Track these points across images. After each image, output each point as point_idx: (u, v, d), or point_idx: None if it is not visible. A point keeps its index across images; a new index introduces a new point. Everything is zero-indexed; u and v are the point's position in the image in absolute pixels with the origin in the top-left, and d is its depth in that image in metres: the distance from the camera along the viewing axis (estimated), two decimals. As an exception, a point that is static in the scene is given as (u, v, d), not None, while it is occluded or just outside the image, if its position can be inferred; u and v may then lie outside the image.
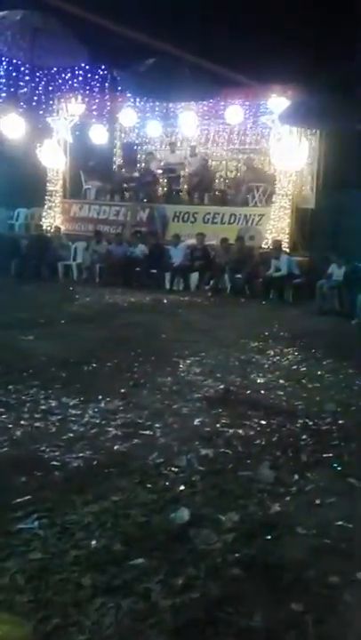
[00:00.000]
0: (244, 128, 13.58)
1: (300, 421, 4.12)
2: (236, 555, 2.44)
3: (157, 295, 10.17)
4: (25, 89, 12.46)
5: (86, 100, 13.81)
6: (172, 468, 3.24)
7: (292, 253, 11.03)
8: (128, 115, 13.57)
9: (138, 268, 11.56)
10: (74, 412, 4.08)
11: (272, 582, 2.27)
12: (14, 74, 12.28)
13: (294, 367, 5.68)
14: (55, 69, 12.68)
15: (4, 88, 12.55)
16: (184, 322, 7.87)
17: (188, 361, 5.64)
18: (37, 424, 3.83)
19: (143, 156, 14.97)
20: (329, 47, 10.96)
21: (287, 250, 11.09)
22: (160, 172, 14.23)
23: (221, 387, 4.84)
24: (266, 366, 5.64)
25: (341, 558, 2.46)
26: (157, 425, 3.91)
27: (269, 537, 2.60)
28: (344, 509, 2.87)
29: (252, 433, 3.85)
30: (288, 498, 2.98)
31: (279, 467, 3.33)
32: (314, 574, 2.33)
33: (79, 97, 13.76)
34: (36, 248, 12.35)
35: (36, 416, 3.96)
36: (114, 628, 1.99)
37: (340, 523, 2.74)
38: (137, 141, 15.38)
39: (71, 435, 3.67)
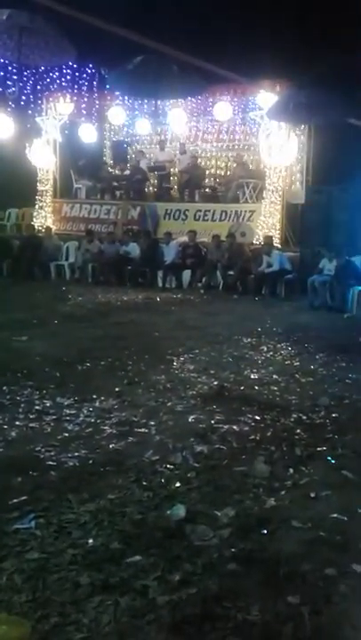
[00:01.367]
0: (233, 124, 13.61)
1: (294, 416, 4.14)
2: (233, 550, 2.45)
3: (150, 293, 10.18)
4: (13, 88, 12.40)
5: (75, 98, 13.78)
6: (168, 466, 3.25)
7: (284, 249, 11.08)
8: (117, 113, 13.56)
9: (130, 267, 11.57)
10: (69, 411, 4.08)
11: (268, 576, 2.29)
12: (2, 73, 12.21)
13: (287, 362, 5.71)
14: (43, 68, 12.62)
15: (-8, 88, 12.48)
16: (177, 319, 7.88)
17: (182, 358, 5.66)
18: (32, 424, 3.83)
19: (133, 155, 14.96)
20: (317, 42, 10.98)
21: (278, 245, 11.14)
22: (149, 169, 14.22)
23: (215, 383, 4.85)
24: (259, 362, 5.66)
25: (337, 550, 2.48)
26: (152, 423, 3.92)
27: (265, 531, 2.61)
28: (339, 502, 2.89)
29: (246, 428, 3.87)
30: (283, 492, 2.99)
31: (274, 461, 3.35)
32: (310, 567, 2.35)
33: (68, 96, 13.73)
34: (28, 248, 12.33)
35: (31, 416, 3.96)
36: (112, 625, 2.00)
37: (335, 515, 2.76)
38: (126, 139, 15.36)
39: (66, 434, 3.68)
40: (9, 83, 12.48)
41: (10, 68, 12.16)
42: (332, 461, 3.39)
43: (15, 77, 12.33)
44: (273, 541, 2.54)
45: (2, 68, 12.25)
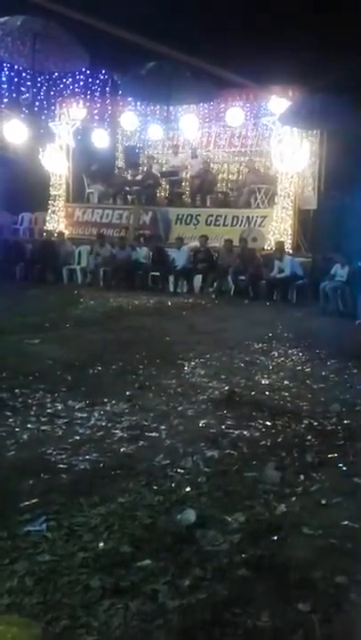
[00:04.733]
0: (245, 130, 13.63)
1: (305, 422, 4.12)
2: (243, 555, 2.45)
3: (161, 298, 10.20)
4: (27, 94, 12.53)
5: (88, 104, 13.89)
6: (178, 470, 3.25)
7: (295, 254, 11.05)
8: (129, 118, 13.64)
9: (141, 271, 11.60)
10: (80, 414, 4.10)
11: (279, 582, 2.28)
12: (16, 79, 12.35)
13: (299, 368, 5.69)
14: (56, 74, 12.75)
15: (6, 94, 12.63)
16: (188, 324, 7.88)
17: (193, 363, 5.66)
18: (44, 427, 3.85)
19: (145, 160, 15.04)
20: (329, 48, 10.97)
21: (290, 251, 11.11)
22: (161, 175, 14.28)
23: (226, 388, 4.85)
24: (270, 367, 5.65)
25: (348, 558, 2.47)
26: (163, 427, 3.92)
27: (276, 537, 2.60)
28: (350, 509, 2.88)
29: (257, 434, 3.86)
30: (294, 498, 2.98)
31: (285, 467, 3.34)
32: (320, 574, 2.33)
33: (81, 101, 13.84)
34: (41, 252, 12.42)
35: (43, 419, 3.98)
36: (122, 629, 2.00)
37: (346, 522, 2.74)
38: (139, 145, 15.43)
39: (77, 437, 3.69)
40: (23, 89, 12.62)
41: (23, 74, 12.30)
42: (344, 468, 3.37)
43: (29, 83, 12.47)
44: (283, 548, 2.53)
45: (16, 74, 12.40)
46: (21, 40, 9.48)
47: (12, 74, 12.33)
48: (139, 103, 13.45)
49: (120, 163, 15.64)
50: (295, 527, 2.69)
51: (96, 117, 14.10)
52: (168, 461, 3.36)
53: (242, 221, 12.13)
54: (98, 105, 14.02)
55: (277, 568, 2.37)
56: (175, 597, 2.16)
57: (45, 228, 14.09)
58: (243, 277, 10.73)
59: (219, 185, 13.92)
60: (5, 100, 12.80)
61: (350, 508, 2.89)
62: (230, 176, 14.23)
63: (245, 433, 3.85)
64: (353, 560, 2.45)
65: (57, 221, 14.21)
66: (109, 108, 13.97)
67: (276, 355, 6.17)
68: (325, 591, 2.24)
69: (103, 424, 3.94)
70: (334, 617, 2.09)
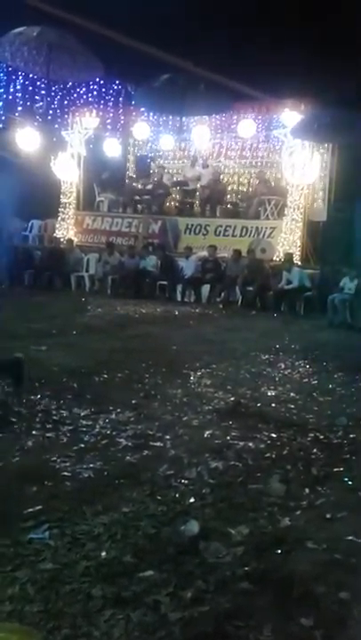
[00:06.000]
0: (256, 142, 13.69)
1: (311, 435, 4.10)
2: (246, 568, 2.43)
3: (169, 307, 10.21)
4: (40, 103, 12.67)
5: (100, 113, 14.02)
6: (183, 480, 3.24)
7: (304, 266, 11.05)
8: (141, 128, 13.74)
9: (149, 280, 11.63)
10: (85, 422, 4.10)
11: (282, 597, 2.26)
12: (30, 88, 12.51)
13: (305, 380, 5.67)
14: (70, 84, 12.90)
15: (21, 102, 12.78)
16: (195, 334, 7.88)
17: (199, 373, 5.65)
18: (49, 434, 3.85)
19: (156, 169, 15.12)
20: (341, 62, 11.03)
21: (299, 262, 11.11)
22: (172, 184, 14.35)
23: (232, 399, 4.83)
24: (277, 379, 5.64)
25: (352, 573, 2.44)
26: (168, 437, 3.91)
27: (279, 551, 2.58)
28: (355, 524, 2.85)
29: (262, 446, 3.84)
30: (298, 512, 2.96)
31: (290, 480, 3.32)
32: (324, 589, 2.31)
33: (94, 111, 13.98)
34: (50, 259, 12.49)
35: (48, 426, 3.98)
36: (123, 639, 1.99)
37: (350, 537, 2.72)
38: (150, 155, 15.53)
39: (82, 445, 3.68)
40: (37, 97, 12.78)
41: (38, 83, 12.46)
42: (349, 482, 3.35)
43: (43, 92, 12.62)
44: (287, 562, 2.51)
45: (30, 83, 12.56)
46: (37, 50, 9.62)
47: (27, 82, 12.50)
48: (151, 113, 13.55)
49: (131, 172, 15.73)
50: (299, 541, 2.67)
51: (108, 127, 14.23)
52: (172, 471, 3.35)
53: (251, 232, 12.16)
54: (111, 114, 14.15)
55: (280, 582, 2.35)
56: (177, 609, 2.14)
57: (55, 235, 14.17)
58: (251, 288, 10.74)
59: (228, 195, 13.97)
60: (20, 108, 12.96)
61: (355, 522, 2.87)
62: (240, 187, 14.28)
63: (250, 444, 3.84)
64: (357, 576, 2.43)
65: (66, 229, 14.29)
66: (122, 117, 14.09)
67: (283, 366, 6.15)
68: (329, 607, 2.21)
69: (108, 432, 3.93)
70: (337, 633, 2.07)
